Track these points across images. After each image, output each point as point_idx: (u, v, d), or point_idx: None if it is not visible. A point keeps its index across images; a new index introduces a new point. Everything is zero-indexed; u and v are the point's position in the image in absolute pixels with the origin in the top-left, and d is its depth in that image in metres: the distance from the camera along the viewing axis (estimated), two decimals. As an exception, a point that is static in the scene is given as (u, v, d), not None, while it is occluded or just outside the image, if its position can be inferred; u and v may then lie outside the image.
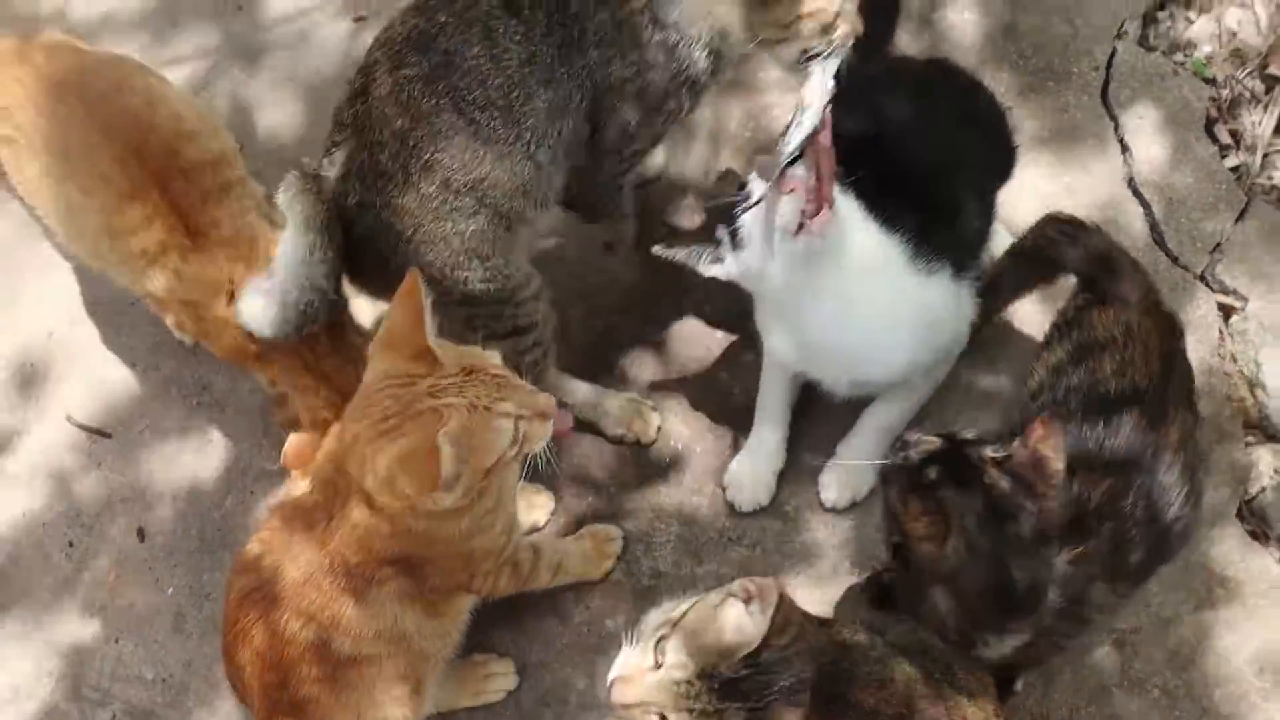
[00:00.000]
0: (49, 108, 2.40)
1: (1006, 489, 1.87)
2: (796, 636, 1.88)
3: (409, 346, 1.98)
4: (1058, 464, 1.86)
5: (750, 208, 2.19)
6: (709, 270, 2.30)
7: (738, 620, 1.88)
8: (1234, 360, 2.57)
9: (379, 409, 1.95)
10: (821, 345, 2.36)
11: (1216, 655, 2.37)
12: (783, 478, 2.58)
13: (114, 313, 2.94)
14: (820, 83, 2.18)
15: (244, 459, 2.79)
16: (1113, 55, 2.83)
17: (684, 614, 1.93)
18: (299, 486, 2.20)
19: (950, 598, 1.99)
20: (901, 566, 2.03)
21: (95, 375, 2.93)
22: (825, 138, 2.13)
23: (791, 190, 2.14)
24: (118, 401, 2.89)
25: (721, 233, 2.27)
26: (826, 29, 2.22)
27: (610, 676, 1.92)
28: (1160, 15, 2.89)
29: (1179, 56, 2.83)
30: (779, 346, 2.43)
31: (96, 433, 2.87)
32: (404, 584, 2.11)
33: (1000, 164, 2.49)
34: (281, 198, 2.19)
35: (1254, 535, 2.43)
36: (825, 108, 2.14)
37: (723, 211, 2.27)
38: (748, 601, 1.89)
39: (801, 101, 2.16)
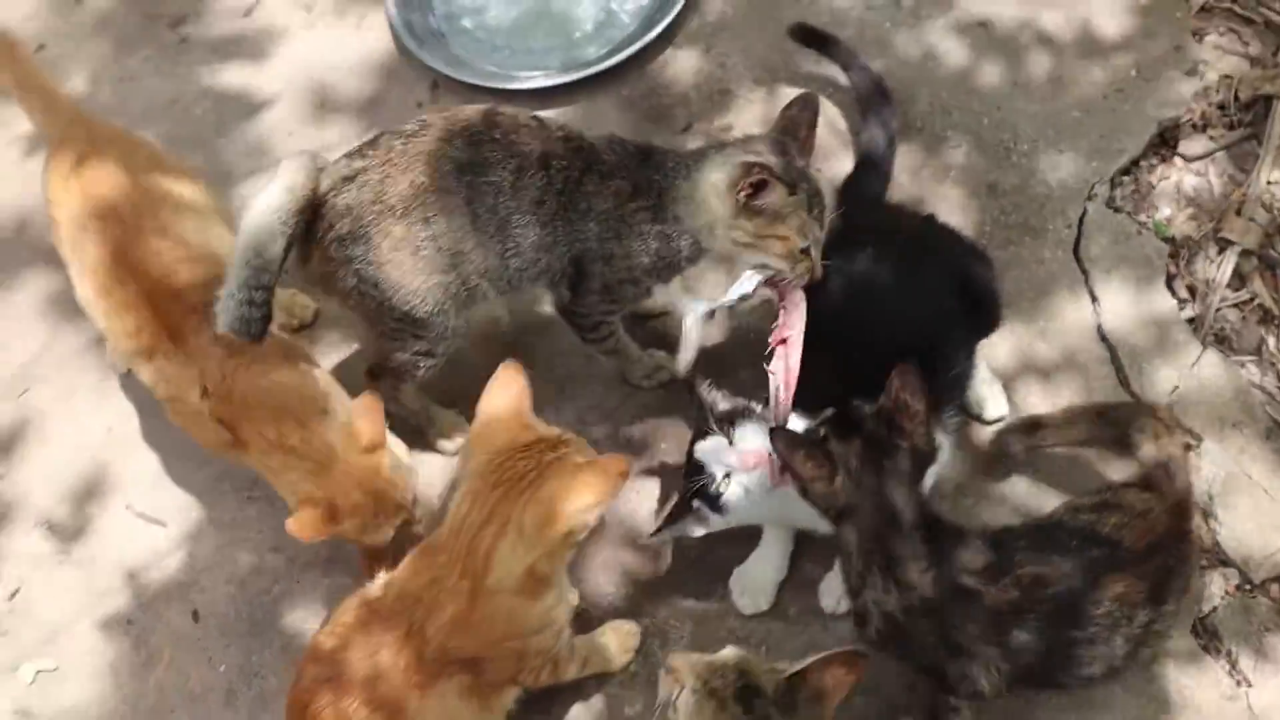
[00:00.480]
0: (83, 223, 2.75)
1: (884, 433, 2.31)
2: None
3: (510, 427, 2.32)
4: (917, 405, 2.31)
5: (711, 485, 2.57)
6: (700, 533, 2.67)
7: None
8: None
9: (511, 474, 2.26)
10: (804, 520, 2.62)
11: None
12: (786, 585, 2.85)
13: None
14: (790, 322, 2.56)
15: (290, 550, 3.03)
16: (1083, 215, 3.18)
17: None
18: (374, 590, 2.47)
19: (854, 531, 2.35)
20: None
21: (152, 469, 3.18)
22: (795, 335, 2.53)
23: (755, 465, 2.53)
24: (174, 493, 3.15)
25: (699, 505, 2.60)
26: (789, 256, 2.55)
27: None
28: (1124, 180, 3.26)
29: (1142, 217, 3.19)
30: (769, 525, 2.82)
31: (153, 521, 3.12)
32: (465, 680, 2.38)
33: (988, 323, 2.80)
34: (286, 162, 2.58)
35: (1205, 649, 2.73)
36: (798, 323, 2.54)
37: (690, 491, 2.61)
38: None
39: (771, 378, 2.55)
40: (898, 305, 2.63)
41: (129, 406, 3.23)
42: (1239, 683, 2.73)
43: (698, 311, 2.65)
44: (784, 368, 2.53)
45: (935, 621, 2.34)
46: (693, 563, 2.93)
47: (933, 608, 2.33)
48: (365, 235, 2.60)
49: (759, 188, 2.48)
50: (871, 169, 3.09)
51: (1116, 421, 2.66)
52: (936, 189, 3.25)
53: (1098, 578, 2.36)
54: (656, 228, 2.63)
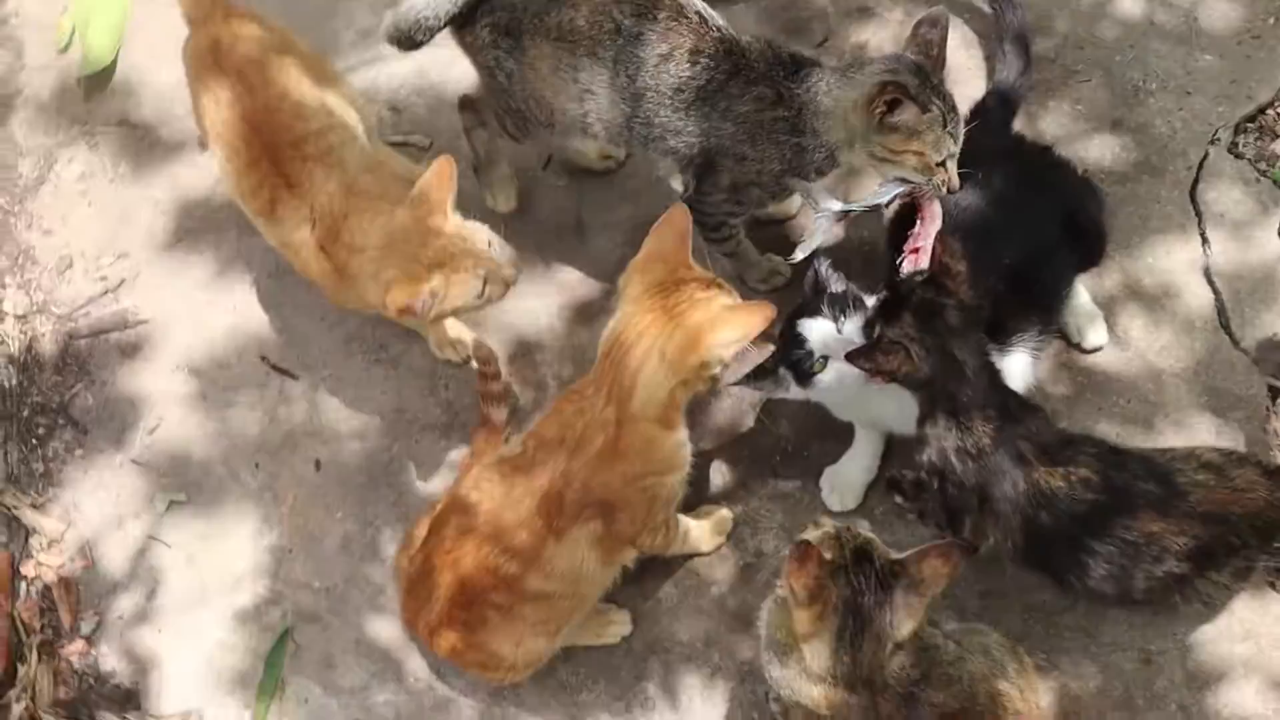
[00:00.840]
0: (216, 94, 2.93)
1: (930, 295, 2.50)
2: None
3: (670, 263, 2.51)
4: (958, 266, 2.50)
5: (806, 363, 2.67)
6: (777, 394, 2.77)
7: None
8: (1276, 435, 2.96)
9: (664, 304, 2.46)
10: (889, 420, 2.82)
11: (1230, 683, 2.78)
12: (874, 486, 2.99)
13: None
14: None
15: (411, 412, 3.24)
16: (1205, 158, 3.23)
17: None
18: (512, 448, 2.69)
19: (932, 402, 2.53)
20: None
21: (288, 324, 3.37)
22: (926, 245, 2.61)
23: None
24: (306, 350, 3.35)
25: (785, 373, 2.70)
26: (926, 169, 2.65)
27: None
28: (1250, 126, 3.28)
29: (1263, 165, 3.22)
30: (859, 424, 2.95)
31: (286, 374, 3.32)
32: (596, 528, 2.59)
33: (1090, 258, 2.93)
34: None
35: (1271, 585, 2.83)
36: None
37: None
38: None
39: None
40: (1003, 227, 2.75)
41: (272, 266, 3.41)
42: (1303, 614, 2.82)
43: (831, 209, 2.73)
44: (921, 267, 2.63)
45: (980, 469, 2.52)
46: (787, 456, 3.08)
47: (984, 457, 2.50)
48: (518, 35, 2.80)
49: (894, 105, 2.57)
50: (1001, 98, 3.15)
51: None
52: (1061, 120, 3.30)
53: (1139, 509, 2.49)
54: (794, 140, 2.73)
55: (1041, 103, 3.32)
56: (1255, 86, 3.29)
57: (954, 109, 2.65)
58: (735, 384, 2.72)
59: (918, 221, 2.66)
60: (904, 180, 2.68)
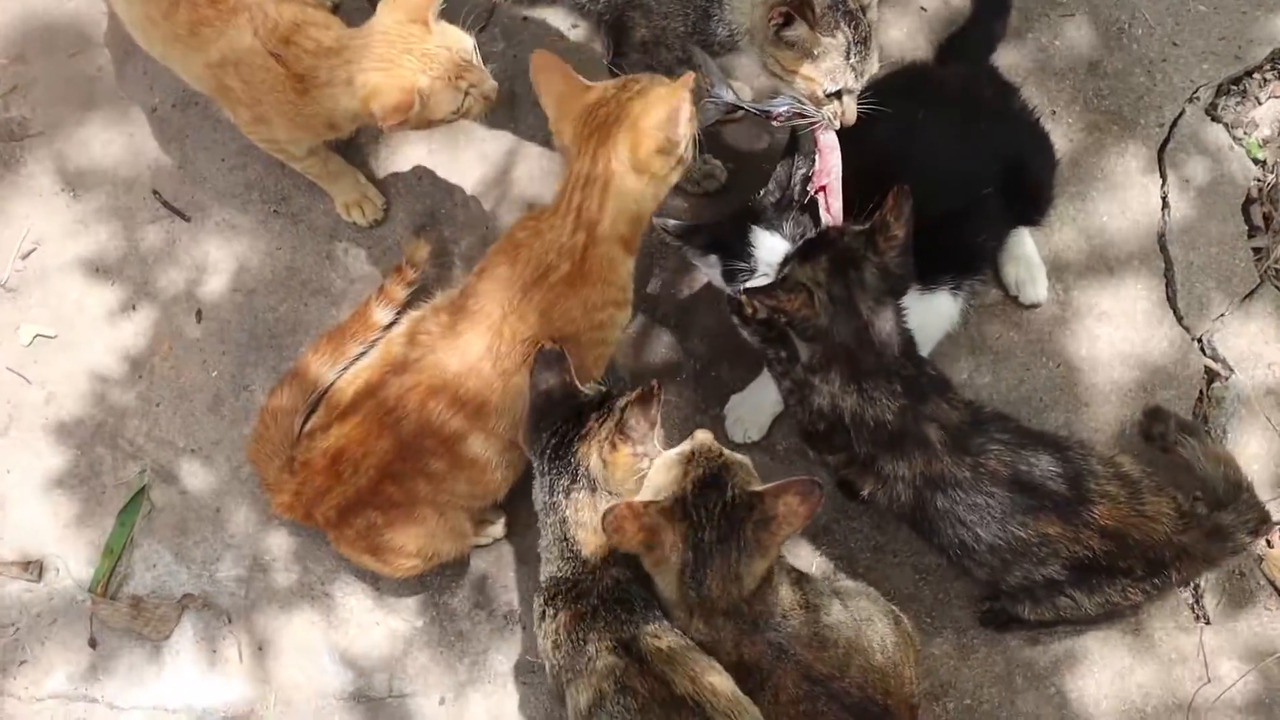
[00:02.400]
0: None
1: (856, 247, 2.35)
2: None
3: (578, 93, 2.46)
4: (898, 229, 2.32)
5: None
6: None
7: None
8: (1205, 421, 2.83)
9: (598, 121, 2.43)
10: None
11: (1111, 671, 2.68)
12: (780, 419, 2.84)
13: (214, 107, 3.09)
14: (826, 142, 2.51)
15: (305, 273, 3.03)
16: (1180, 116, 3.03)
17: None
18: (441, 299, 2.63)
19: (829, 360, 2.39)
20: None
21: (186, 158, 3.12)
22: (834, 181, 2.48)
23: None
24: (202, 190, 3.10)
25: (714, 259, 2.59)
26: (814, 99, 2.46)
27: None
28: (1233, 89, 3.08)
29: (1239, 133, 3.04)
30: None
31: (177, 214, 3.08)
32: None
33: (1029, 214, 2.78)
34: None
35: (1192, 609, 2.74)
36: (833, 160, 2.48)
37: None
38: None
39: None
40: (934, 163, 2.59)
41: (178, 95, 3.15)
42: (1197, 618, 2.73)
43: (722, 96, 2.57)
44: (830, 218, 2.46)
45: (875, 442, 2.40)
46: (695, 375, 2.92)
47: (882, 431, 2.37)
48: None
49: (787, 20, 2.37)
50: (979, 30, 2.95)
51: (1235, 496, 2.53)
52: (1035, 54, 3.08)
53: (1040, 510, 2.37)
54: (701, 2, 2.52)
55: (1017, 32, 3.09)
56: (1245, 47, 3.09)
57: (865, 41, 2.43)
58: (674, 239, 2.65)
59: (813, 153, 2.49)
60: (800, 101, 2.50)
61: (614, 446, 2.35)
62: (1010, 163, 2.66)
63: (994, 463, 2.38)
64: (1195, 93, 3.05)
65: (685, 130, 2.39)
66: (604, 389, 2.46)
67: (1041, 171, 2.76)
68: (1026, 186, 2.72)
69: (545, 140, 3.04)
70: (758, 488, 2.22)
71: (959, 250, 2.66)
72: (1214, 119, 3.05)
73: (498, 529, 2.82)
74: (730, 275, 2.53)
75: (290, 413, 2.73)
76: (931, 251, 2.52)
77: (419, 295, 2.83)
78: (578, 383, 2.43)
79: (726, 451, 2.27)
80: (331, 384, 2.76)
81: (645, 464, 2.35)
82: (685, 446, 2.27)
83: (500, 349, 2.48)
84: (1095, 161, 3.00)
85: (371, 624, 2.82)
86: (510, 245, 2.53)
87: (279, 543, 2.87)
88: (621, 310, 2.59)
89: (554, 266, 2.47)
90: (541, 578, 2.46)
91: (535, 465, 2.45)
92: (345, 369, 2.78)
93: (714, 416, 2.87)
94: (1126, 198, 2.98)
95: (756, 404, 2.82)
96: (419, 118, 2.55)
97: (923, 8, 3.12)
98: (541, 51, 2.52)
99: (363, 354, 2.80)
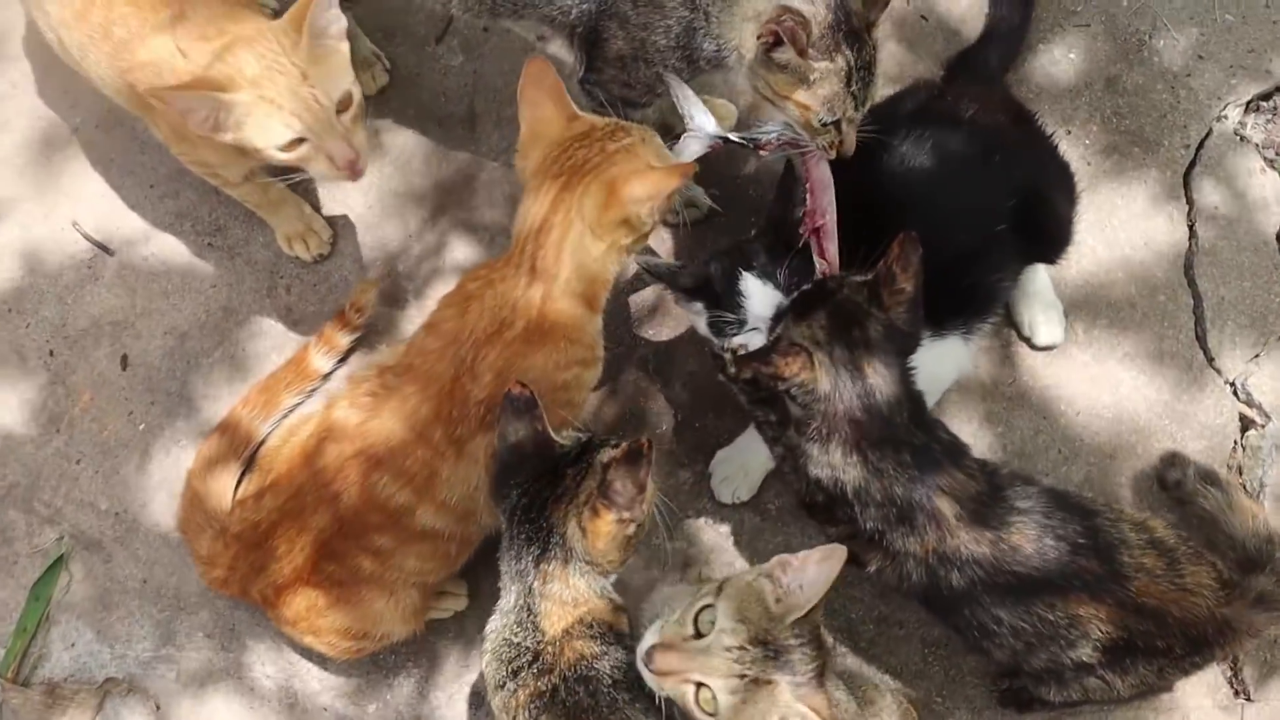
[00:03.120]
0: None
1: (859, 300, 2.05)
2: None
3: (558, 120, 2.22)
4: (905, 282, 2.03)
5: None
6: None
7: (775, 593, 1.95)
8: (1240, 473, 2.57)
9: (572, 163, 2.17)
10: None
11: None
12: (772, 478, 2.56)
13: (141, 127, 2.81)
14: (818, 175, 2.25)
15: (242, 312, 2.74)
16: (1206, 136, 2.77)
17: (721, 587, 1.96)
18: (386, 355, 2.35)
19: (830, 429, 2.08)
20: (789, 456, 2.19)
21: (112, 185, 2.83)
22: (829, 222, 2.22)
23: None
24: (127, 220, 2.81)
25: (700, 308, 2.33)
26: (808, 128, 2.21)
27: (646, 645, 1.93)
28: (1263, 106, 2.82)
29: (1270, 153, 2.78)
30: None
31: (101, 247, 2.79)
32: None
33: (1044, 253, 2.51)
34: None
35: (1233, 685, 2.50)
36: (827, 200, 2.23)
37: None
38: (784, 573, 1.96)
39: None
40: (951, 199, 2.33)
41: (101, 114, 2.85)
42: (1238, 693, 2.48)
43: (704, 128, 2.31)
44: (824, 265, 2.19)
45: (883, 517, 2.11)
46: (677, 426, 2.64)
47: (890, 507, 2.10)
48: None
49: (778, 41, 2.10)
50: (993, 47, 2.70)
51: (1270, 554, 2.27)
52: (1048, 68, 2.82)
53: (1071, 588, 2.10)
54: (685, 14, 2.24)
55: (1030, 44, 2.82)
56: (1276, 60, 2.82)
57: (869, 65, 2.17)
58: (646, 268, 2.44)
59: (805, 190, 2.23)
60: (792, 128, 2.24)
61: (595, 513, 2.02)
62: (1028, 196, 2.37)
63: (1016, 536, 2.10)
64: (1223, 110, 2.79)
65: (662, 209, 2.19)
66: (583, 438, 2.14)
67: (1061, 207, 2.48)
68: (1045, 224, 2.44)
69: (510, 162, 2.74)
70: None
71: (971, 292, 2.39)
72: (1243, 139, 2.79)
73: (458, 601, 2.54)
74: (717, 327, 2.24)
75: (221, 475, 2.45)
76: (941, 293, 2.23)
77: (367, 339, 2.55)
78: (552, 432, 2.13)
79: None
80: (265, 439, 2.48)
81: (631, 530, 2.05)
82: None
83: (452, 413, 2.19)
84: (1114, 187, 2.74)
85: (318, 710, 2.52)
86: (460, 298, 2.26)
87: (214, 619, 2.58)
88: (589, 369, 2.32)
89: (508, 323, 2.21)
90: (489, 628, 2.16)
91: (503, 524, 2.15)
92: (280, 420, 2.52)
93: (698, 474, 2.59)
94: (1149, 227, 2.72)
95: (745, 461, 2.55)
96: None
97: (923, 17, 2.85)
98: (539, 59, 2.25)
99: (299, 405, 2.54)
